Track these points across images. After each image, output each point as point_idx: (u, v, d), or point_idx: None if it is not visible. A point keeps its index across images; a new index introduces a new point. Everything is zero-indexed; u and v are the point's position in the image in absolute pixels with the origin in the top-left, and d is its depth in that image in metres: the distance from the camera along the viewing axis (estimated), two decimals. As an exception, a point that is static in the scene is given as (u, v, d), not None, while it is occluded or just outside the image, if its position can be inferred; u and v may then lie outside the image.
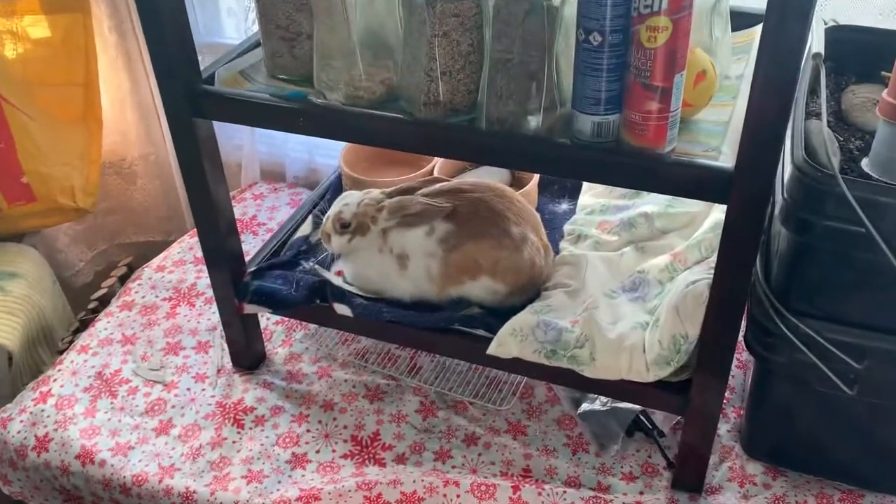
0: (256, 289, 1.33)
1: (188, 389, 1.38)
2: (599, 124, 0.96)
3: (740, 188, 0.91)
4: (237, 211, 1.78)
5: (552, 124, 1.01)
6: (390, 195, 1.27)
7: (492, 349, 1.16)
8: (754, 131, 0.87)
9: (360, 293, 1.30)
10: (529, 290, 1.25)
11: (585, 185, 1.51)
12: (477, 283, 1.21)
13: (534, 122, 1.01)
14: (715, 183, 0.91)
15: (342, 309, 1.28)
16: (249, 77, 1.20)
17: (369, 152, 1.61)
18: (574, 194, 1.52)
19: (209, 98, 1.11)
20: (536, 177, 1.47)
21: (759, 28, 1.17)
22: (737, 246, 0.95)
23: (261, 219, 1.81)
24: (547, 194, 1.55)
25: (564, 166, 0.99)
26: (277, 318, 1.54)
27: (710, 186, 0.93)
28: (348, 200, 1.27)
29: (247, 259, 1.38)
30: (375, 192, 1.28)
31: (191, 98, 1.14)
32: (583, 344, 1.11)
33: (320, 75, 1.11)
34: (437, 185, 1.27)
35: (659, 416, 1.29)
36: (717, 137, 1.00)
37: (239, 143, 1.94)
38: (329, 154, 1.89)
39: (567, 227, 1.40)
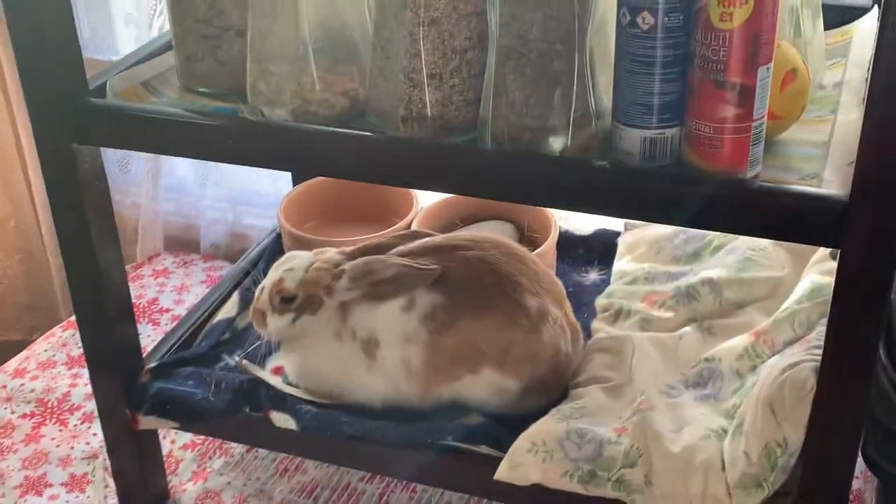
0: (158, 393, 1.29)
1: (54, 546, 1.37)
2: (653, 141, 0.95)
3: (859, 224, 0.88)
4: (132, 293, 1.72)
5: (585, 143, 0.99)
6: (352, 255, 1.25)
7: (502, 473, 1.13)
8: (878, 147, 0.84)
9: (308, 397, 1.27)
10: (552, 388, 1.24)
11: (622, 246, 1.51)
12: (478, 378, 1.20)
13: (559, 141, 0.99)
14: (823, 218, 0.90)
15: (282, 420, 1.24)
16: (155, 90, 1.19)
17: (321, 204, 1.60)
18: (606, 259, 1.52)
19: (98, 115, 1.11)
20: (554, 235, 1.47)
21: (856, 25, 1.21)
22: (856, 310, 0.92)
23: (164, 303, 1.80)
24: (568, 260, 1.54)
25: (604, 200, 0.97)
26: (187, 438, 1.51)
27: (816, 223, 0.91)
28: (293, 264, 1.25)
29: (145, 354, 1.37)
30: (331, 252, 1.27)
31: (72, 116, 1.12)
32: (634, 461, 1.10)
33: (257, 85, 1.09)
34: (420, 241, 1.26)
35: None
36: (815, 162, 0.98)
37: (136, 199, 1.94)
38: (262, 212, 1.90)
39: (601, 302, 1.40)
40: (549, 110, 0.98)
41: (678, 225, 0.99)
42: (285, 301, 1.23)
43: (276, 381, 1.30)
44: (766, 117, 0.92)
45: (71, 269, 1.23)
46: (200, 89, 1.16)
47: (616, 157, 0.97)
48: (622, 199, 0.96)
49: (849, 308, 0.92)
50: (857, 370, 0.94)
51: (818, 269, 1.25)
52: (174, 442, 1.51)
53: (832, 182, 0.93)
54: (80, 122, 1.12)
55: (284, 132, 1.06)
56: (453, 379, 1.21)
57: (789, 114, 1.01)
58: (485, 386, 1.20)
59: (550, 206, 1.29)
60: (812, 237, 0.93)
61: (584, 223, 1.67)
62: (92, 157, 1.17)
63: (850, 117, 1.03)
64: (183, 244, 1.97)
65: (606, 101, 0.99)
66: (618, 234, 1.54)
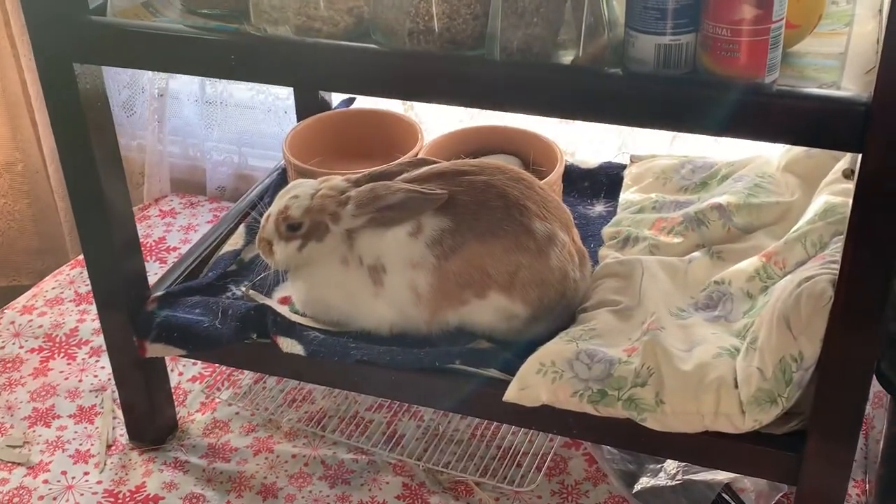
0: (165, 321, 1.27)
1: (63, 473, 1.33)
2: (667, 48, 0.90)
3: (881, 127, 0.84)
4: (139, 232, 1.74)
5: (597, 54, 0.95)
6: (358, 183, 1.22)
7: (510, 394, 1.12)
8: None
9: (315, 325, 1.25)
10: (560, 314, 1.21)
11: (628, 177, 1.48)
12: (485, 302, 1.18)
13: (570, 52, 0.95)
14: (845, 121, 0.86)
15: (290, 345, 1.22)
16: (156, 10, 1.15)
17: (326, 140, 1.57)
18: (611, 192, 1.49)
19: (98, 33, 1.07)
20: (559, 168, 1.43)
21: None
22: (876, 212, 0.88)
23: (171, 242, 1.78)
24: (574, 193, 1.51)
25: (619, 109, 0.93)
26: (195, 370, 1.49)
27: (838, 126, 0.86)
28: (298, 192, 1.22)
29: (152, 286, 1.34)
30: (337, 180, 1.24)
31: (71, 34, 1.08)
32: (645, 380, 1.08)
33: (260, 4, 1.05)
34: (426, 168, 1.23)
35: (751, 494, 1.22)
36: (832, 72, 0.94)
37: (142, 141, 1.91)
38: (267, 153, 1.87)
39: (608, 231, 1.37)
40: (560, 20, 0.94)
41: (696, 132, 0.95)
42: (291, 228, 1.20)
43: (283, 309, 1.27)
44: (784, 21, 0.88)
45: (75, 196, 1.20)
46: (202, 10, 1.12)
47: (629, 67, 0.93)
48: (638, 106, 0.92)
49: (869, 211, 0.88)
50: (876, 276, 0.91)
51: (830, 191, 1.21)
52: (182, 374, 1.49)
53: (851, 91, 0.89)
54: (80, 40, 1.08)
55: (286, 46, 1.01)
56: (460, 304, 1.18)
57: (806, 22, 0.97)
58: (492, 311, 1.18)
59: (562, 116, 1.28)
60: (834, 141, 0.89)
61: (589, 156, 1.65)
62: (93, 77, 1.13)
63: (865, 29, 1.00)
64: (189, 186, 1.94)
65: (619, 10, 0.94)
66: (623, 167, 1.50)
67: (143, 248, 1.67)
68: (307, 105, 1.64)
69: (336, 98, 1.71)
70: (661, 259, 1.26)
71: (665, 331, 1.12)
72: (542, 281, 1.17)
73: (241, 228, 1.44)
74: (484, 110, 1.54)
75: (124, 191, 1.23)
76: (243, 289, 1.33)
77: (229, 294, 1.33)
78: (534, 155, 1.50)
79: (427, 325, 1.21)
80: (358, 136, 1.58)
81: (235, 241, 1.42)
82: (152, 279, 1.35)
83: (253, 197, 1.51)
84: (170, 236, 1.79)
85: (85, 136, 1.14)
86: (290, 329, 1.23)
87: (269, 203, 1.32)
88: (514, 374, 1.12)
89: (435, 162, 1.26)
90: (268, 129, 1.85)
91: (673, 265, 1.25)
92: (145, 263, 1.32)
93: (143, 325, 1.27)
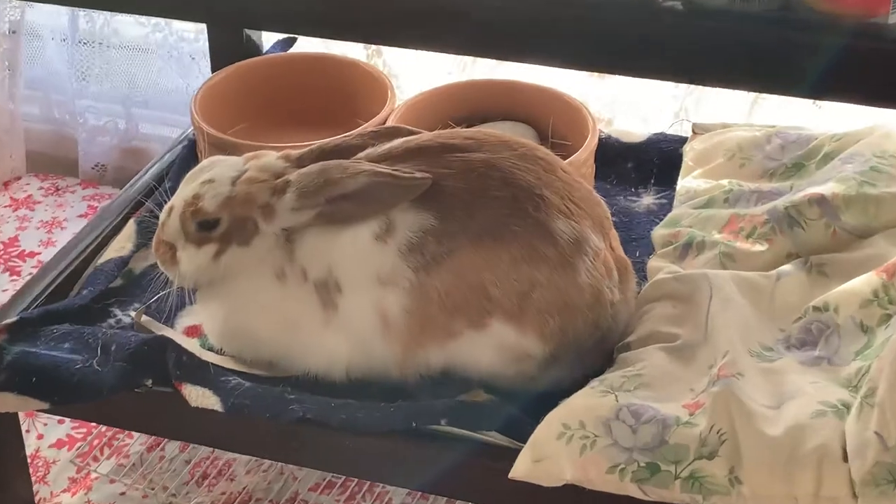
0: (18, 360, 1.27)
1: None
2: None
3: None
4: None
5: None
6: (301, 161, 1.24)
7: (520, 468, 1.12)
8: None
9: (237, 366, 1.27)
10: (591, 352, 1.23)
11: (690, 155, 1.49)
12: (484, 335, 1.19)
13: None
14: None
15: (200, 397, 1.22)
16: None
17: (254, 99, 1.60)
18: (665, 176, 1.51)
19: None
20: (591, 141, 1.44)
21: None
22: None
23: (27, 245, 1.79)
24: (612, 178, 1.53)
25: (676, 59, 0.95)
26: (62, 430, 1.50)
27: None
28: (213, 174, 1.24)
29: None
30: (270, 157, 1.25)
31: None
32: (715, 450, 1.08)
33: None
34: (401, 141, 1.24)
35: None
36: None
37: None
38: (167, 116, 1.89)
39: (661, 233, 1.38)
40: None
41: (787, 93, 0.97)
42: (204, 227, 1.21)
43: (190, 344, 1.28)
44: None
45: None
46: None
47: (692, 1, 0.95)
48: (705, 55, 0.94)
49: None
50: None
51: None
52: (42, 437, 1.49)
53: None
54: None
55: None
56: (448, 337, 1.19)
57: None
58: (494, 347, 1.20)
59: (596, 69, 1.29)
60: None
61: (633, 125, 1.67)
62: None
63: None
64: (54, 164, 1.96)
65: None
66: (683, 140, 1.52)
67: (-14, 254, 1.70)
68: (226, 48, 1.66)
69: (268, 39, 1.72)
70: (738, 275, 1.27)
71: (743, 378, 1.13)
72: (566, 305, 1.18)
73: (130, 226, 1.45)
74: (481, 58, 1.55)
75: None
76: (133, 314, 1.33)
77: (112, 321, 1.33)
78: (554, 123, 1.52)
79: (400, 368, 1.22)
80: (301, 95, 1.59)
81: (122, 245, 1.42)
82: (1, 299, 1.36)
83: (147, 180, 1.52)
84: (25, 236, 1.80)
85: None
86: (201, 373, 1.23)
87: (172, 190, 1.32)
88: (524, 441, 1.13)
89: (412, 132, 1.27)
90: (169, 83, 1.86)
91: (754, 284, 1.26)
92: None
93: None
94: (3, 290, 1.63)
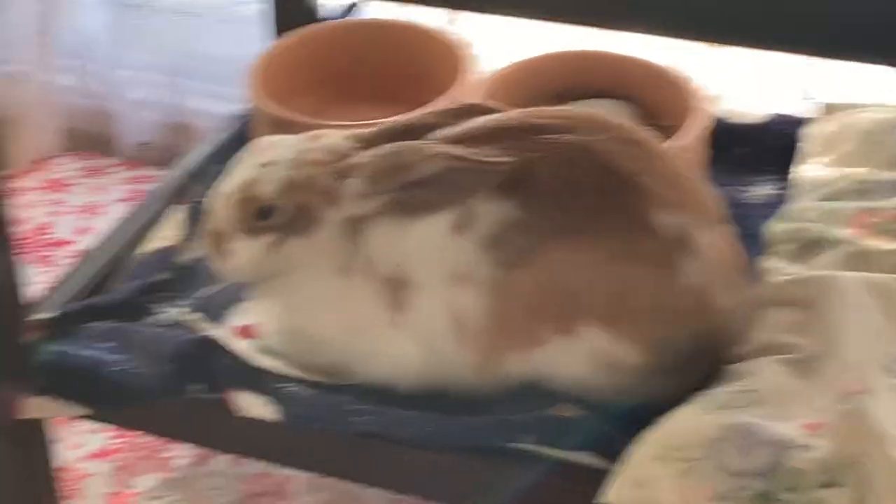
0: (54, 360, 1.30)
1: None
2: None
3: None
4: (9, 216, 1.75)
5: None
6: (369, 142, 1.25)
7: (615, 494, 1.13)
8: None
9: (295, 371, 1.29)
10: (697, 362, 1.23)
11: (814, 139, 1.49)
12: (573, 342, 1.21)
13: None
14: None
15: (255, 405, 1.25)
16: None
17: (318, 71, 1.62)
18: (784, 164, 1.51)
19: None
20: (700, 123, 1.45)
21: None
22: None
23: (61, 233, 1.81)
24: (723, 164, 1.53)
25: (805, 30, 0.95)
26: (100, 440, 1.52)
27: None
28: (272, 156, 1.25)
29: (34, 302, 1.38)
30: (335, 138, 1.27)
31: None
32: (841, 477, 1.07)
33: None
34: (482, 120, 1.25)
35: None
36: None
37: (14, 67, 1.95)
38: (219, 89, 1.90)
39: (779, 228, 1.38)
40: None
41: None
42: (261, 215, 1.23)
43: (242, 346, 1.30)
44: None
45: None
46: None
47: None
48: (834, 25, 0.94)
49: None
50: None
51: None
52: (78, 448, 1.50)
53: None
54: None
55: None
56: (533, 343, 1.21)
57: None
58: (584, 355, 1.21)
59: (708, 40, 1.23)
60: None
61: (749, 104, 1.67)
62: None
63: None
64: (91, 141, 1.98)
65: None
66: (805, 122, 1.53)
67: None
68: (287, 14, 1.67)
69: (332, 3, 1.74)
70: (870, 278, 1.26)
71: (874, 396, 1.12)
72: (667, 309, 1.19)
73: (178, 212, 1.46)
74: (572, 26, 1.55)
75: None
76: (179, 311, 1.35)
77: (157, 318, 1.35)
78: (658, 101, 1.53)
79: (476, 377, 1.23)
80: (370, 67, 1.61)
81: (167, 234, 1.44)
82: (30, 292, 1.37)
83: (196, 161, 1.54)
84: (58, 223, 1.81)
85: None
86: (255, 379, 1.25)
87: (224, 174, 1.32)
88: (617, 461, 1.13)
89: (493, 110, 1.28)
90: (221, 51, 1.87)
91: (887, 288, 1.25)
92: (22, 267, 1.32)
93: (18, 366, 1.30)
94: (35, 283, 1.63)
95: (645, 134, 1.27)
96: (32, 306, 1.37)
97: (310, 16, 1.70)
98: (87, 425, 1.49)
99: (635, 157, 1.22)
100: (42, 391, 1.30)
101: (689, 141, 1.44)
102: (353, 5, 1.73)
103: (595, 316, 1.19)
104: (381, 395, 1.25)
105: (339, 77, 1.63)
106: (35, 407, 1.31)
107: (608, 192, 1.20)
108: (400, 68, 1.61)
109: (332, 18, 1.71)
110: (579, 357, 1.21)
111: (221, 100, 1.89)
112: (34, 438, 1.38)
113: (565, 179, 1.20)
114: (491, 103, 1.35)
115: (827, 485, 1.08)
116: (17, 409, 1.32)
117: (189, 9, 1.91)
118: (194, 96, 1.95)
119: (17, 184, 1.88)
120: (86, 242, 1.76)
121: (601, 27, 1.07)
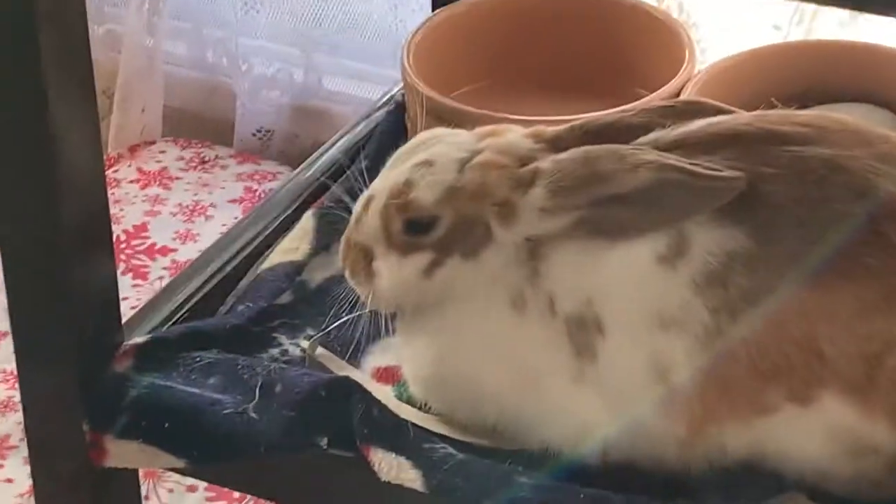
0: (145, 396, 1.29)
1: None
2: None
3: None
4: None
5: None
6: (557, 142, 1.21)
7: None
8: None
9: (447, 429, 1.26)
10: None
11: None
12: (812, 412, 1.16)
13: None
14: None
15: (395, 468, 1.21)
16: None
17: (492, 50, 1.61)
18: None
19: None
20: None
21: None
22: None
23: (159, 238, 1.81)
24: None
25: None
26: (194, 499, 1.53)
27: None
28: (432, 154, 1.22)
29: (123, 322, 1.37)
30: (514, 135, 1.23)
31: None
32: None
33: None
34: (703, 122, 1.21)
35: None
36: None
37: (114, 27, 1.98)
38: (365, 69, 1.90)
39: None
40: None
41: None
42: (415, 228, 1.21)
43: (383, 393, 1.28)
44: None
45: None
46: None
47: None
48: None
49: None
50: None
51: None
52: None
53: None
54: None
55: None
56: (757, 411, 1.16)
57: None
58: (824, 432, 1.16)
59: None
60: None
61: None
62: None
63: None
64: (200, 125, 2.00)
65: None
66: None
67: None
68: None
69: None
70: None
71: None
72: None
73: (308, 220, 1.47)
74: (826, 7, 1.48)
75: (91, 129, 1.24)
76: (305, 343, 1.34)
77: (277, 351, 1.35)
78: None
79: (681, 450, 1.19)
80: (560, 49, 1.62)
81: (294, 247, 1.45)
82: (125, 309, 1.38)
83: (333, 157, 1.54)
84: (156, 225, 1.83)
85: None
86: (397, 435, 1.22)
87: (370, 173, 1.34)
88: None
89: (720, 111, 1.25)
90: (369, 20, 1.89)
91: None
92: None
93: (103, 402, 1.29)
94: (127, 298, 1.65)
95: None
96: (125, 327, 1.36)
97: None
98: (181, 480, 1.50)
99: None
100: (127, 434, 1.29)
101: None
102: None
103: (841, 381, 1.14)
104: (557, 466, 1.22)
105: (523, 59, 1.63)
106: (119, 453, 1.30)
107: (867, 224, 1.14)
108: (601, 52, 1.61)
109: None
110: (816, 434, 1.16)
111: (366, 81, 1.93)
112: (117, 492, 1.38)
113: (810, 204, 1.15)
114: (715, 102, 1.31)
115: None
116: (101, 455, 1.30)
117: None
118: (333, 75, 1.97)
119: (109, 173, 1.91)
120: (189, 252, 1.79)
121: (865, 11, 1.06)
